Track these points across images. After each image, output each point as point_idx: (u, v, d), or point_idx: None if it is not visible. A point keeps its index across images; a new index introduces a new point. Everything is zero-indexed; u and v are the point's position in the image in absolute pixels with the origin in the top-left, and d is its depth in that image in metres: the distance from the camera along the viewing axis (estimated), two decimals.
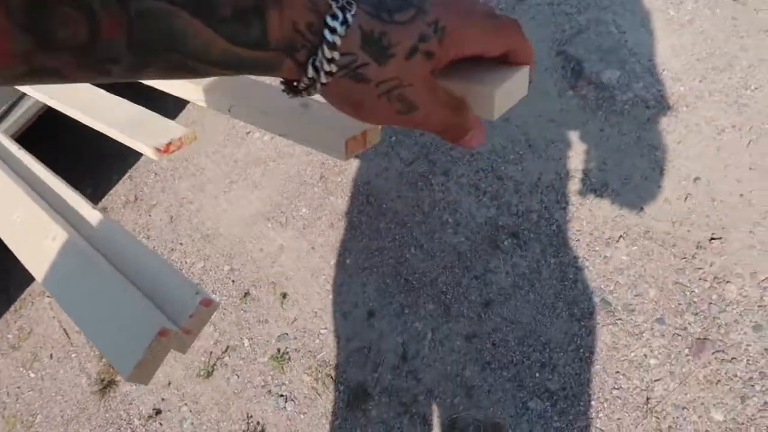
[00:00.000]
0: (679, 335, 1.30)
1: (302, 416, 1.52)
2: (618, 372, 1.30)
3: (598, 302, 1.41)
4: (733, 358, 1.26)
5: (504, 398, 1.36)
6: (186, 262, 1.94)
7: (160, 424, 1.67)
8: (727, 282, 1.35)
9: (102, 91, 0.77)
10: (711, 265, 1.37)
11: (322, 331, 1.64)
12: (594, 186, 1.61)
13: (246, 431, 1.56)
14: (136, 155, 2.31)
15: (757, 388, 1.21)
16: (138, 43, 0.28)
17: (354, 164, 1.93)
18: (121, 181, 2.27)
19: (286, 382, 1.60)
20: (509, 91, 0.37)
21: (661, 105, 1.69)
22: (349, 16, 0.30)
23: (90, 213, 0.78)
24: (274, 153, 2.09)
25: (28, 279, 2.12)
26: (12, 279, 2.15)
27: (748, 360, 1.25)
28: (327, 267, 1.75)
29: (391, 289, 1.64)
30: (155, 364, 0.57)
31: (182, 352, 0.64)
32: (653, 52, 1.82)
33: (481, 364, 1.43)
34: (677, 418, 1.20)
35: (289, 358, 1.63)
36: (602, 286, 1.43)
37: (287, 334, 1.68)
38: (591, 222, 1.55)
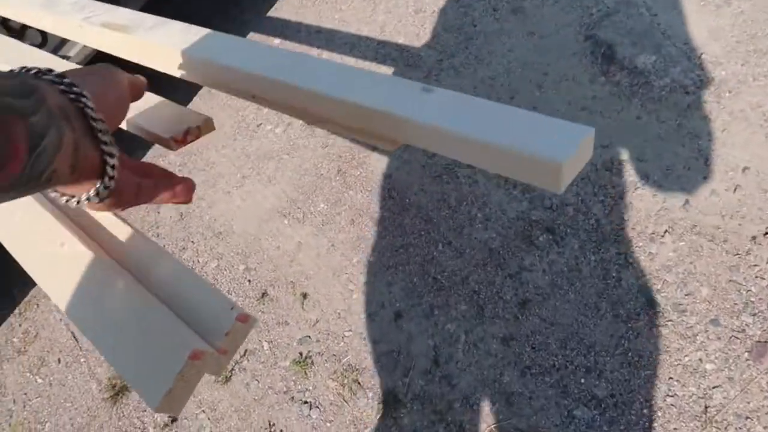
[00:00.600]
0: (737, 338, 1.21)
1: (329, 425, 1.44)
2: (671, 378, 1.22)
3: (645, 302, 1.32)
4: None
5: (547, 406, 1.27)
6: (198, 261, 1.85)
7: None
8: None
9: None
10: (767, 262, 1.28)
11: (347, 334, 1.55)
12: (634, 177, 1.52)
13: None
14: (142, 149, 2.22)
15: None
16: None
17: (373, 157, 1.84)
18: None
19: (310, 388, 1.51)
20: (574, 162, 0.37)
21: (701, 90, 1.60)
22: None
23: (103, 216, 0.69)
24: (288, 146, 2.00)
25: (33, 280, 2.03)
26: (15, 280, 2.07)
27: None
28: (349, 265, 1.66)
29: (419, 289, 1.55)
30: (187, 391, 0.48)
31: (217, 375, 0.55)
32: (689, 34, 1.72)
33: (520, 368, 1.34)
34: (740, 428, 1.12)
35: (312, 363, 1.54)
36: (649, 285, 1.34)
37: (309, 336, 1.59)
38: (633, 216, 1.46)
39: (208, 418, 1.57)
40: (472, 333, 1.43)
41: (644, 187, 1.49)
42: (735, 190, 1.40)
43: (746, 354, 1.19)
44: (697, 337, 1.24)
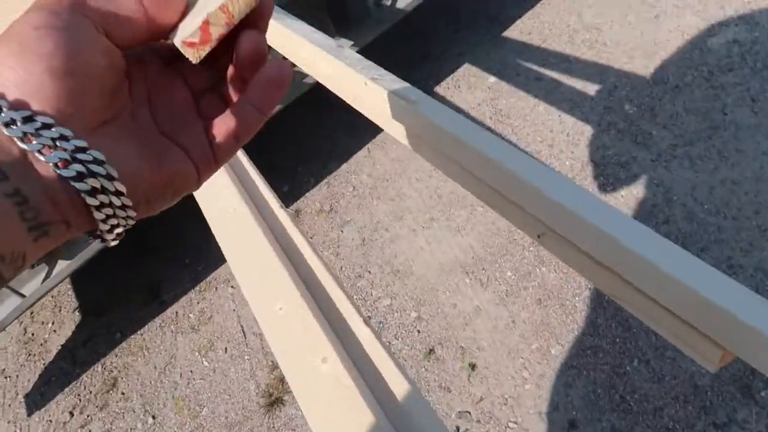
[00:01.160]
0: None
1: None
2: None
3: None
4: None
5: None
6: (371, 295, 1.85)
7: None
8: None
9: None
10: None
11: (511, 426, 1.46)
12: None
13: None
14: (336, 161, 2.27)
15: None
16: None
17: None
18: (317, 187, 2.24)
19: None
20: None
21: None
22: None
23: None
24: None
25: (218, 261, 2.17)
26: (204, 257, 2.22)
27: None
28: (527, 350, 1.56)
29: (601, 403, 1.41)
30: None
31: None
32: None
33: None
34: None
35: None
36: None
37: (470, 413, 1.52)
38: None
39: None
40: None
41: None
42: None
43: None
44: None
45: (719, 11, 2.00)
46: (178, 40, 0.29)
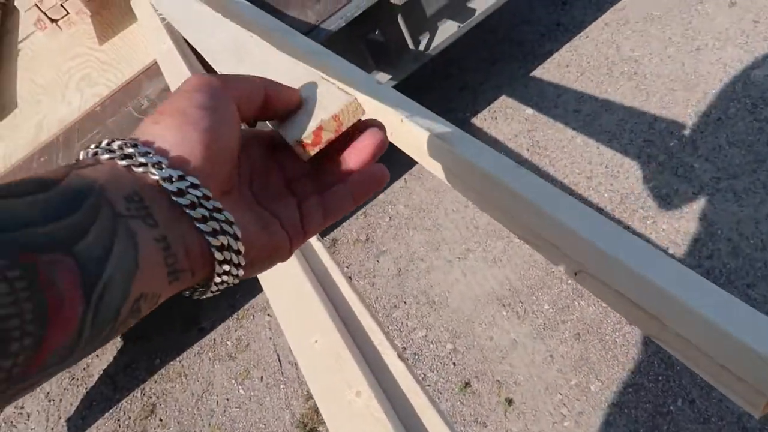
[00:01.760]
0: None
1: None
2: None
3: None
4: None
5: None
6: (406, 326, 1.85)
7: None
8: None
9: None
10: None
11: None
12: None
13: None
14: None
15: None
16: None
17: None
18: (354, 216, 2.26)
19: None
20: None
21: None
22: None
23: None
24: None
25: (255, 289, 2.20)
26: (241, 285, 2.24)
27: None
28: (565, 386, 1.52)
29: None
30: None
31: None
32: None
33: None
34: None
35: None
36: None
37: None
38: None
39: None
40: None
41: None
42: None
43: None
44: None
45: (762, 43, 1.97)
46: (291, 139, 0.34)
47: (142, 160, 0.26)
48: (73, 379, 2.30)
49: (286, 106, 0.35)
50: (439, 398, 1.64)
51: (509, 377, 1.60)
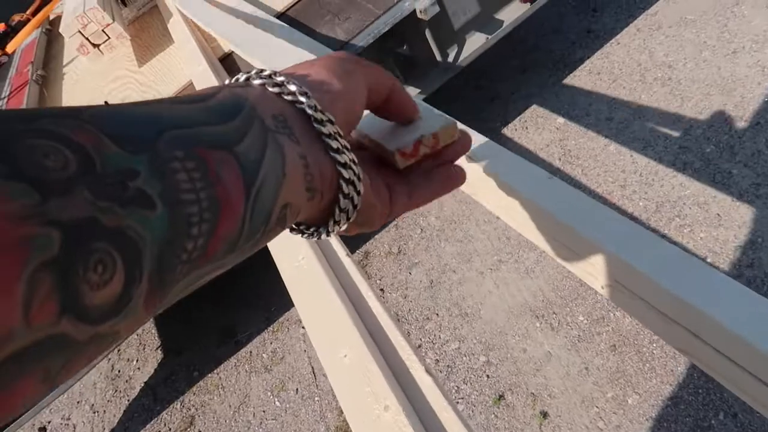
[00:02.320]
0: None
1: None
2: None
3: None
4: None
5: None
6: (439, 338, 1.85)
7: None
8: None
9: None
10: None
11: None
12: None
13: None
14: None
15: None
16: None
17: None
18: (386, 228, 2.28)
19: None
20: None
21: None
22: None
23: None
24: None
25: (290, 302, 2.23)
26: (276, 298, 2.29)
27: None
28: (602, 399, 1.50)
29: None
30: None
31: None
32: None
33: None
34: None
35: None
36: None
37: None
38: None
39: None
40: None
41: None
42: None
43: None
44: None
45: None
46: (393, 147, 0.36)
47: (292, 88, 0.29)
48: (116, 391, 2.37)
49: (402, 112, 0.38)
50: (472, 411, 1.63)
51: (544, 390, 1.58)
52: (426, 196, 0.38)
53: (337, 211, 0.31)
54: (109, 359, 2.50)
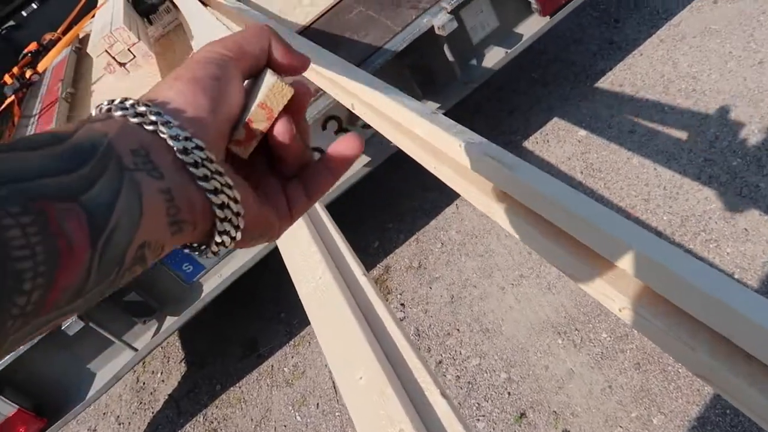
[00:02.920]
0: None
1: None
2: None
3: None
4: None
5: None
6: (460, 354, 1.83)
7: None
8: None
9: None
10: None
11: None
12: None
13: None
14: (425, 217, 2.30)
15: None
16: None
17: None
18: (407, 243, 2.27)
19: None
20: None
21: None
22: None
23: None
24: None
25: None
26: (296, 313, 2.30)
27: None
28: (626, 418, 1.47)
29: None
30: None
31: None
32: None
33: None
34: None
35: None
36: None
37: None
38: None
39: None
40: None
41: None
42: None
43: None
44: None
45: None
46: (228, 143, 0.32)
47: (153, 118, 0.28)
48: (141, 403, 2.40)
49: (288, 67, 0.35)
50: (494, 429, 1.61)
51: (566, 408, 1.55)
52: (325, 185, 0.37)
53: (216, 235, 0.31)
54: (135, 371, 2.54)
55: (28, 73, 2.99)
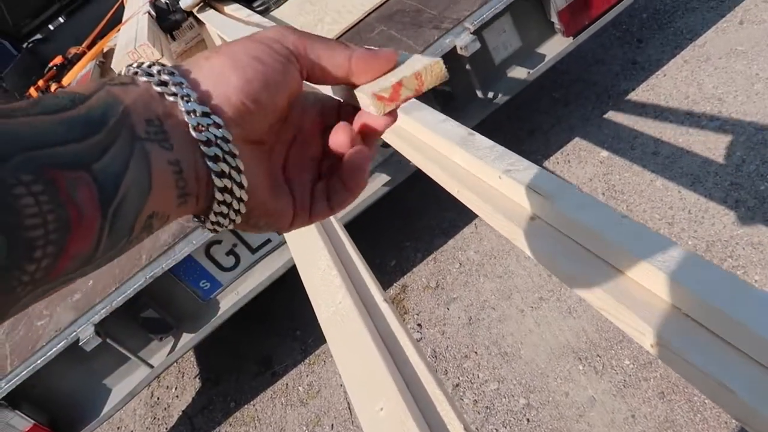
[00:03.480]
0: None
1: None
2: None
3: None
4: None
5: None
6: (478, 377, 1.80)
7: None
8: None
9: None
10: None
11: None
12: None
13: None
14: (443, 237, 2.28)
15: None
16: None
17: None
18: (424, 262, 2.25)
19: None
20: None
21: None
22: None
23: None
24: None
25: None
26: (311, 330, 2.28)
27: None
28: None
29: None
30: None
31: None
32: None
33: None
34: None
35: None
36: None
37: None
38: None
39: None
40: None
41: None
42: None
43: None
44: None
45: None
46: (368, 91, 0.32)
47: (174, 89, 0.28)
48: (155, 418, 2.39)
49: (367, 80, 0.34)
50: None
51: None
52: (343, 199, 0.36)
53: (212, 215, 0.30)
54: (149, 386, 2.53)
55: (53, 87, 3.03)
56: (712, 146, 1.94)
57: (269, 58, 0.30)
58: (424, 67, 0.32)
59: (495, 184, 0.72)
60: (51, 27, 4.25)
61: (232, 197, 0.30)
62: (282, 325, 2.40)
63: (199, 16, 2.38)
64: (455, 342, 1.93)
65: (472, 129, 0.82)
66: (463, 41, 1.60)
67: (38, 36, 4.14)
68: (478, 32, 1.64)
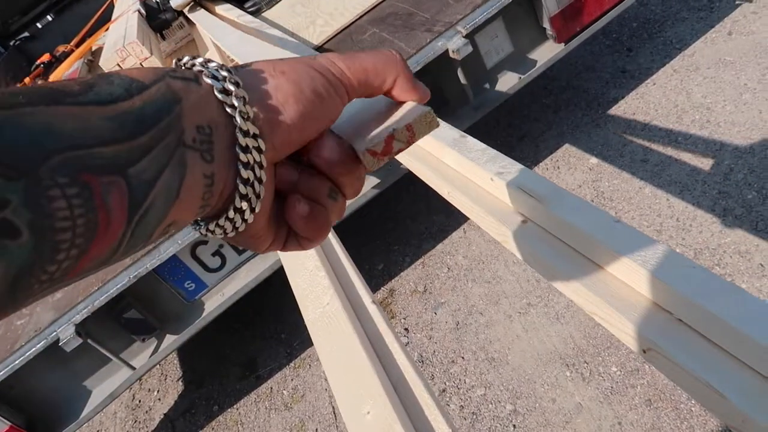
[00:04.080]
0: None
1: None
2: None
3: None
4: None
5: None
6: (465, 383, 1.79)
7: None
8: None
9: None
10: None
11: None
12: None
13: None
14: (431, 241, 2.27)
15: None
16: None
17: None
18: (412, 266, 2.24)
19: None
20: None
21: None
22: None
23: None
24: None
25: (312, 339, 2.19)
26: (297, 333, 2.26)
27: None
28: None
29: None
30: None
31: None
32: None
33: None
34: None
35: None
36: None
37: None
38: None
39: None
40: None
41: None
42: None
43: None
44: None
45: None
46: (361, 147, 0.31)
47: (235, 102, 0.27)
48: (135, 421, 2.35)
49: (406, 99, 0.34)
50: None
51: None
52: (308, 246, 0.35)
53: (213, 224, 0.30)
54: (131, 389, 2.49)
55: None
56: (701, 155, 1.95)
57: (326, 93, 0.30)
58: (415, 119, 0.32)
59: (487, 186, 0.72)
60: (39, 25, 4.21)
61: (240, 218, 0.30)
62: (267, 327, 2.37)
63: (189, 15, 2.35)
64: (442, 347, 1.92)
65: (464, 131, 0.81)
66: (455, 44, 1.60)
67: (26, 34, 4.10)
68: (470, 36, 1.64)
